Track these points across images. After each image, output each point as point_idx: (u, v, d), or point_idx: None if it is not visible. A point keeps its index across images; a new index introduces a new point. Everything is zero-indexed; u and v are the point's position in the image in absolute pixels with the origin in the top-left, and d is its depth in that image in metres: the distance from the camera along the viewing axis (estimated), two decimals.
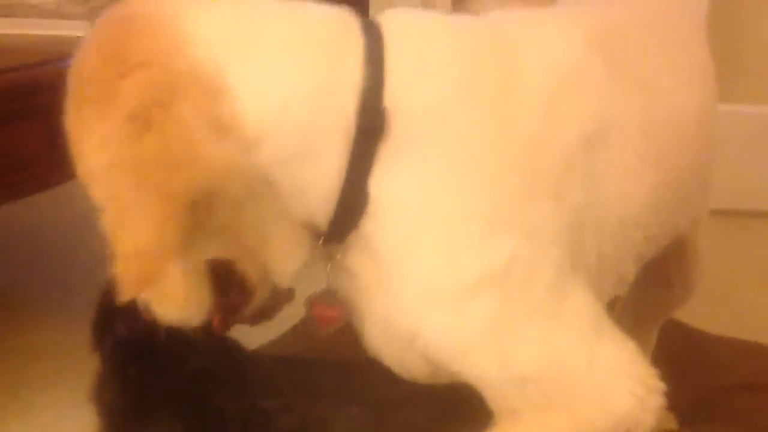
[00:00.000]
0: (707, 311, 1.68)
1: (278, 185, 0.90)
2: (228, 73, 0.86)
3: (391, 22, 0.97)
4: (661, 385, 0.97)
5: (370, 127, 0.90)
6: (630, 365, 0.97)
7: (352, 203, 0.92)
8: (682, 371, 1.34)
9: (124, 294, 0.86)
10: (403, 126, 0.91)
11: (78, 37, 1.55)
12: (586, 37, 1.04)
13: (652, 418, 0.95)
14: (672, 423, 1.37)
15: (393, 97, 0.91)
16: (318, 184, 0.91)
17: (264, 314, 1.03)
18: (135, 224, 0.83)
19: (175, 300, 0.93)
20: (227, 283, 0.95)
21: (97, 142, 0.85)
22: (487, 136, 0.94)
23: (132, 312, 0.98)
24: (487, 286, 0.91)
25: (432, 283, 0.92)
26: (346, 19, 0.95)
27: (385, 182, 0.92)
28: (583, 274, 0.98)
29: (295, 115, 0.88)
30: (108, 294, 0.98)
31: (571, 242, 0.96)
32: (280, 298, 1.03)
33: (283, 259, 0.96)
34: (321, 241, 0.96)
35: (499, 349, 0.93)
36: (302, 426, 0.96)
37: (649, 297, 1.45)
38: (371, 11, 2.67)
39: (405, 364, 0.99)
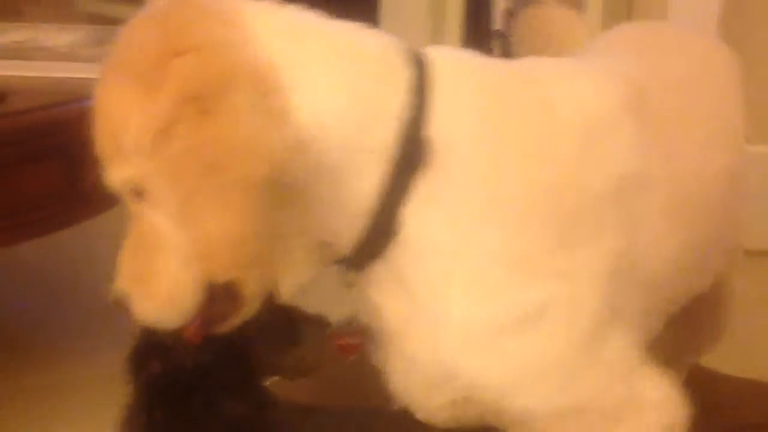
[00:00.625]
0: (719, 349, 1.67)
1: (310, 197, 0.89)
2: (284, 74, 0.86)
3: (437, 57, 0.97)
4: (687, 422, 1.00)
5: (409, 156, 0.90)
6: (667, 401, 1.00)
7: (381, 230, 0.92)
8: (692, 410, 1.34)
9: (216, 276, 0.86)
10: (441, 160, 0.91)
11: (91, 79, 1.59)
12: (618, 92, 1.05)
13: None
14: None
15: (434, 130, 0.91)
16: (351, 203, 0.91)
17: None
18: (216, 211, 0.82)
19: (159, 298, 0.91)
20: (216, 290, 0.91)
21: (144, 118, 0.84)
22: (521, 178, 0.94)
23: (169, 350, 0.98)
24: (520, 327, 0.92)
25: (465, 326, 0.92)
26: (396, 47, 0.96)
27: (419, 215, 0.91)
28: (619, 322, 0.98)
29: (341, 130, 0.89)
30: (147, 329, 0.97)
31: (608, 289, 0.96)
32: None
33: (290, 274, 0.95)
34: (344, 266, 0.96)
35: (541, 386, 0.94)
36: None
37: (678, 341, 1.44)
38: (382, 16, 2.69)
39: (428, 403, 0.99)
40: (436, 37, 2.73)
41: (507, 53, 2.18)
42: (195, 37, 0.85)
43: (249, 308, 0.94)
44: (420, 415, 1.01)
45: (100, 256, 2.41)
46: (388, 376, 1.01)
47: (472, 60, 1.03)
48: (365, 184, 0.90)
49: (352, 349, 1.02)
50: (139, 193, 0.90)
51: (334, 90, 0.89)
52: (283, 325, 1.04)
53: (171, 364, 1.02)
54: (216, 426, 1.00)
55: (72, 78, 1.67)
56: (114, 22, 1.90)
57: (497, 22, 2.56)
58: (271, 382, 1.10)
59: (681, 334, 1.40)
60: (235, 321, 0.95)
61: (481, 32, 2.61)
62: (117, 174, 0.90)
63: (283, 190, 0.86)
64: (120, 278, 0.93)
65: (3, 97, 1.54)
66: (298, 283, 0.96)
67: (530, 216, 0.93)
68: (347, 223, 0.92)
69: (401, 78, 0.92)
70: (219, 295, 0.92)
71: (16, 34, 1.81)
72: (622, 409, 0.98)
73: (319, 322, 1.06)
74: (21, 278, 2.41)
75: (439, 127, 0.91)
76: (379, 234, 0.92)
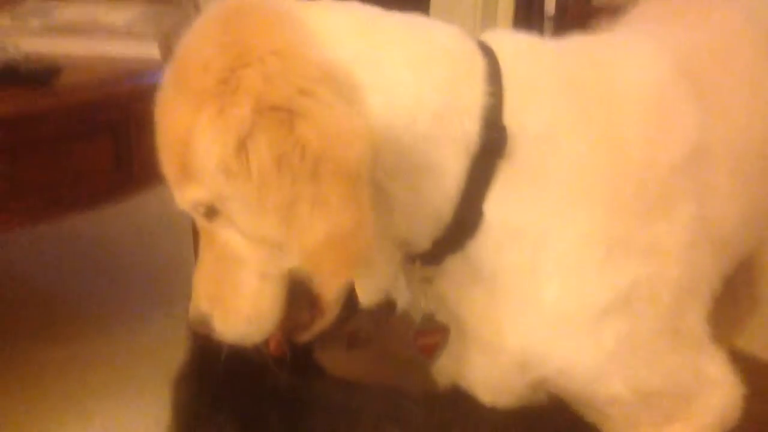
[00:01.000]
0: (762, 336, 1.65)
1: (391, 197, 0.87)
2: (358, 72, 0.84)
3: (500, 42, 0.95)
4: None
5: (491, 146, 0.88)
6: (726, 380, 1.01)
7: (463, 222, 0.90)
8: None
9: (331, 287, 0.85)
10: (520, 147, 0.89)
11: (146, 56, 1.60)
12: (672, 59, 1.04)
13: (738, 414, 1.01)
14: None
15: (511, 117, 0.90)
16: (433, 198, 0.89)
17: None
18: (323, 210, 0.79)
19: (241, 315, 0.89)
20: (299, 300, 0.91)
21: (218, 137, 0.80)
22: (598, 158, 0.93)
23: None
24: (615, 309, 0.91)
25: (559, 311, 0.91)
26: (465, 38, 0.94)
27: (501, 203, 0.90)
28: (697, 290, 0.99)
29: (420, 127, 0.86)
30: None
31: (687, 258, 0.96)
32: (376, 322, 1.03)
33: (372, 277, 0.94)
34: (418, 263, 0.95)
35: (630, 369, 0.93)
36: None
37: (717, 315, 1.43)
38: (431, 11, 2.69)
39: (507, 389, 0.98)
40: (488, 21, 2.72)
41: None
42: (260, 44, 0.81)
43: (329, 315, 0.93)
44: (487, 400, 1.01)
45: (146, 231, 2.47)
46: (463, 367, 1.01)
47: (535, 43, 1.01)
48: (447, 177, 0.89)
49: (435, 348, 1.01)
50: (211, 213, 0.87)
51: (411, 84, 0.87)
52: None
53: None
54: (264, 395, 1.00)
55: (127, 55, 1.69)
56: (170, 1, 1.92)
57: (550, 7, 2.54)
58: (324, 353, 1.09)
59: (718, 309, 1.40)
60: (316, 329, 0.94)
61: (532, 17, 2.59)
62: (187, 196, 0.87)
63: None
64: (198, 299, 0.92)
65: (57, 73, 1.56)
66: (384, 283, 0.95)
67: (613, 196, 0.92)
68: (429, 219, 0.90)
69: (477, 67, 0.90)
70: (300, 306, 0.91)
71: (73, 11, 1.83)
72: (692, 389, 0.98)
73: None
74: (68, 252, 2.45)
75: (516, 114, 0.90)
76: (462, 226, 0.91)
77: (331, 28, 0.85)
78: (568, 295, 0.91)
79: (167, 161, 0.87)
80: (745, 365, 1.62)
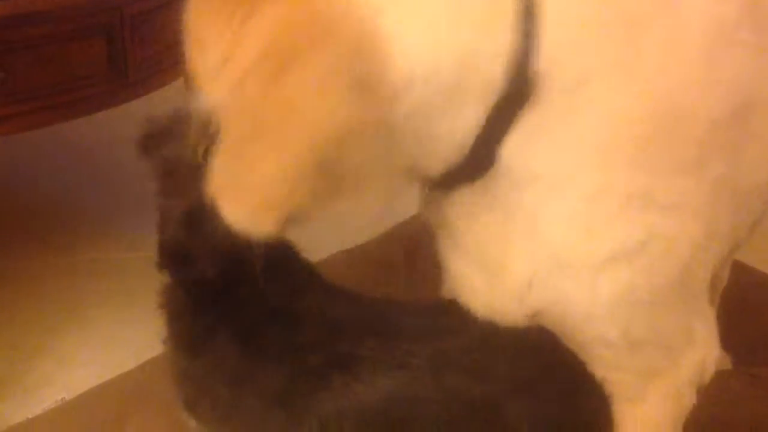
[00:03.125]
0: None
1: (403, 134, 0.84)
2: (383, 18, 0.79)
3: None
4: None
5: (515, 93, 0.84)
6: (711, 334, 1.00)
7: (478, 165, 0.88)
8: (739, 311, 1.32)
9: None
10: (549, 96, 0.85)
11: None
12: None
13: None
14: (727, 363, 1.36)
15: (544, 61, 0.84)
16: (448, 140, 0.86)
17: None
18: (261, 162, 0.79)
19: (247, 206, 0.88)
20: None
21: (226, 51, 0.80)
22: (635, 112, 0.87)
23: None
24: (620, 260, 0.89)
25: (564, 253, 0.90)
26: None
27: (520, 150, 0.87)
28: (713, 246, 0.96)
29: (445, 71, 0.82)
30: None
31: (708, 216, 0.92)
32: None
33: (372, 200, 0.92)
34: (427, 188, 0.94)
35: (625, 317, 0.92)
36: (325, 363, 0.95)
37: None
38: None
39: (502, 314, 0.97)
40: None
41: None
42: None
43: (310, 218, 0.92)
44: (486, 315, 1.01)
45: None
46: (464, 289, 1.00)
47: None
48: (467, 121, 0.85)
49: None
50: None
51: (439, 30, 0.82)
52: None
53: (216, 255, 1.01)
54: (255, 310, 1.00)
55: None
56: None
57: None
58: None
59: None
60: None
61: None
62: (204, 93, 0.86)
63: (370, 129, 0.81)
64: (211, 181, 0.91)
65: None
66: (381, 206, 0.93)
67: (643, 150, 0.88)
68: (441, 156, 0.88)
69: (507, 9, 0.84)
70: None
71: None
72: (680, 345, 0.98)
73: None
74: (67, 160, 2.44)
75: (550, 58, 0.84)
76: (474, 167, 0.88)
77: None
78: (573, 241, 0.89)
79: (188, 55, 0.87)
80: (750, 279, 1.63)
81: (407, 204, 1.06)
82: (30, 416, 1.40)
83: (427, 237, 1.67)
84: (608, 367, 0.98)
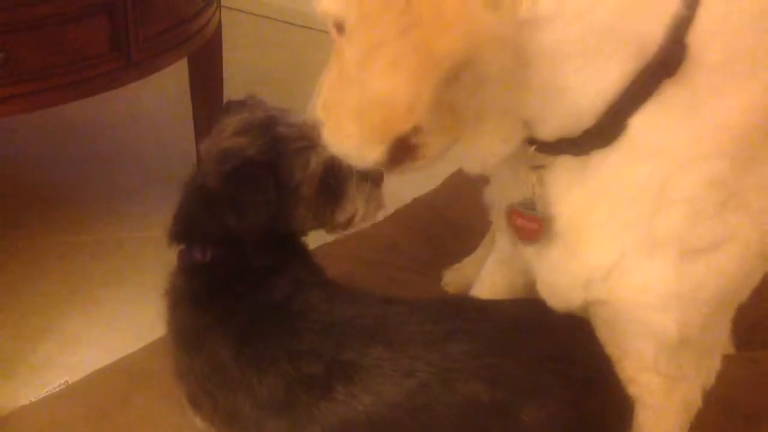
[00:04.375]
0: None
1: (534, 76, 0.80)
2: None
3: None
4: None
5: (665, 61, 0.80)
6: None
7: (605, 133, 0.84)
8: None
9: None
10: (692, 71, 0.80)
11: None
12: None
13: None
14: (729, 347, 1.35)
15: (697, 36, 0.80)
16: (578, 98, 0.82)
17: None
18: (390, 72, 0.74)
19: (346, 134, 0.87)
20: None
21: None
22: (757, 101, 0.83)
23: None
24: (708, 254, 0.88)
25: (662, 239, 0.88)
26: None
27: (650, 123, 0.83)
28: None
29: (601, 13, 0.77)
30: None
31: None
32: None
33: (488, 148, 0.89)
34: (534, 148, 0.89)
35: (689, 312, 0.91)
36: (326, 372, 0.92)
37: None
38: None
39: (563, 297, 0.97)
40: None
41: None
42: None
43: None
44: (545, 298, 0.99)
45: (147, 119, 2.44)
46: (537, 262, 0.98)
47: None
48: (604, 80, 0.81)
49: (531, 234, 0.95)
50: (339, 27, 0.83)
51: None
52: (328, 180, 1.02)
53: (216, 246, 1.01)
54: (252, 309, 0.99)
55: None
56: None
57: None
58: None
59: None
60: (411, 169, 0.89)
61: None
62: (320, 5, 0.83)
63: (497, 67, 0.77)
64: (317, 104, 0.90)
65: None
66: (497, 158, 0.90)
67: (756, 147, 0.85)
68: (565, 115, 0.84)
69: None
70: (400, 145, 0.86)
71: None
72: (710, 350, 0.98)
73: (367, 176, 1.04)
74: (73, 140, 2.43)
75: (703, 34, 0.80)
76: (600, 135, 0.84)
77: None
78: (681, 221, 0.86)
79: None
80: None
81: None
82: (34, 398, 1.40)
83: (433, 218, 1.66)
84: (642, 367, 0.97)
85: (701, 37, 0.79)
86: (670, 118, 0.83)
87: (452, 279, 1.49)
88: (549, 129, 0.86)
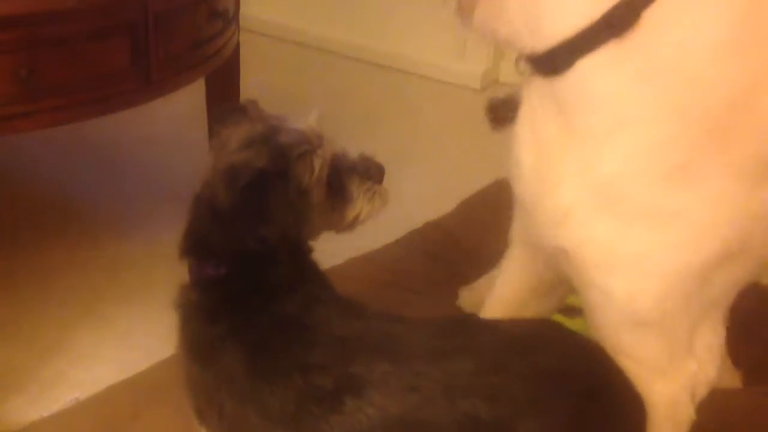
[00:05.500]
0: None
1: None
2: None
3: None
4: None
5: (613, 22, 0.87)
6: (713, 356, 1.02)
7: (556, 60, 0.91)
8: (752, 329, 1.31)
9: None
10: (645, 26, 0.87)
11: None
12: None
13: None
14: (737, 381, 1.34)
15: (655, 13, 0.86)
16: (550, 14, 0.90)
17: None
18: None
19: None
20: None
21: None
22: (716, 75, 0.87)
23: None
24: (653, 220, 0.90)
25: (612, 192, 0.91)
26: None
27: (604, 69, 0.89)
28: (742, 259, 0.95)
29: None
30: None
31: (742, 226, 0.92)
32: None
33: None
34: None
35: (636, 279, 0.93)
36: (336, 386, 0.92)
37: None
38: None
39: (539, 237, 1.00)
40: None
41: None
42: None
43: None
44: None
45: (160, 137, 2.45)
46: (517, 181, 1.02)
47: None
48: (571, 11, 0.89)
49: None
50: None
51: None
52: (333, 182, 1.03)
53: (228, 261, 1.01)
54: (266, 323, 0.99)
55: None
56: None
57: None
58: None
59: None
60: None
61: None
62: None
63: None
64: None
65: None
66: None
67: (706, 118, 0.88)
68: (533, 29, 0.91)
69: None
70: None
71: None
72: (684, 350, 0.99)
73: (367, 173, 1.06)
74: (87, 158, 2.45)
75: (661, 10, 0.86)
76: (550, 60, 0.91)
77: None
78: (625, 180, 0.90)
79: None
80: (764, 297, 1.60)
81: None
82: (45, 413, 1.40)
83: (446, 241, 1.66)
84: (614, 347, 0.98)
85: (659, 15, 0.86)
86: (617, 75, 0.88)
87: (468, 297, 1.50)
88: (524, 39, 0.92)
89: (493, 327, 1.05)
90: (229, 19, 1.91)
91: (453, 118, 2.87)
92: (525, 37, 0.92)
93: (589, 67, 0.89)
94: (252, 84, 2.27)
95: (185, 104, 2.31)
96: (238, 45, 2.03)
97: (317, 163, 1.00)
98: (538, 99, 0.97)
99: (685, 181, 0.88)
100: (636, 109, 0.88)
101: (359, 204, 1.06)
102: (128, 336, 1.74)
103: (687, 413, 1.02)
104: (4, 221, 2.07)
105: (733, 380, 1.32)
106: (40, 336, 1.72)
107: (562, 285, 1.14)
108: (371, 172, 1.07)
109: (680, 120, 0.88)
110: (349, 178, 1.05)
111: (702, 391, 1.02)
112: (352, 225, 1.08)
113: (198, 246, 1.04)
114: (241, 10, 2.03)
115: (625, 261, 0.92)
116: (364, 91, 3.10)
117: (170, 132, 2.52)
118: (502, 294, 1.25)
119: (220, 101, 2.06)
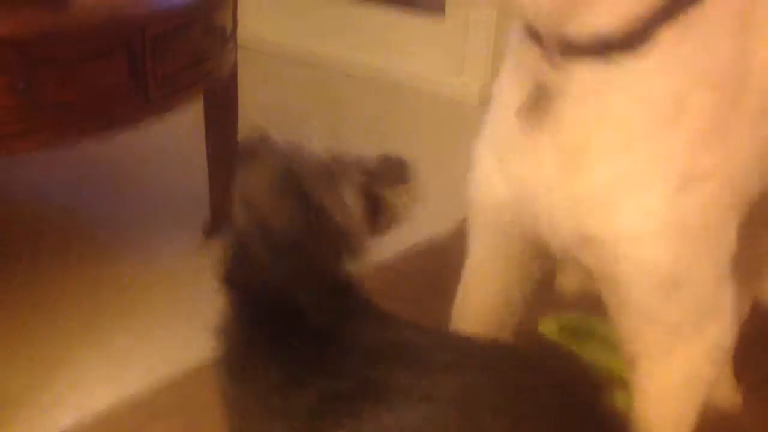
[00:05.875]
0: None
1: None
2: None
3: None
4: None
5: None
6: (732, 311, 1.02)
7: (634, 37, 0.90)
8: (752, 347, 1.31)
9: None
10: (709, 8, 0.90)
11: None
12: None
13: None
14: (737, 397, 1.34)
15: None
16: None
17: None
18: None
19: None
20: None
21: None
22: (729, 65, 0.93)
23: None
24: (684, 189, 0.92)
25: (652, 167, 0.93)
26: None
27: (673, 36, 0.90)
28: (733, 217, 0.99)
29: None
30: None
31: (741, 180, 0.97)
32: None
33: None
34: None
35: (674, 245, 0.94)
36: (357, 389, 0.93)
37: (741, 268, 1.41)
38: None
39: (557, 225, 0.99)
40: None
41: None
42: None
43: None
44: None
45: (158, 155, 2.44)
46: (535, 184, 1.01)
47: None
48: None
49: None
50: None
51: None
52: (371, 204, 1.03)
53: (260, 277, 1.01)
54: (299, 337, 0.99)
55: None
56: None
57: None
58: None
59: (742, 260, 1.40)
60: None
61: None
62: None
63: None
64: None
65: None
66: None
67: (742, 87, 0.92)
68: (608, 7, 0.90)
69: None
70: None
71: None
72: (707, 311, 1.00)
73: (391, 176, 1.05)
74: (88, 177, 2.45)
75: None
76: (628, 38, 0.90)
77: None
78: (683, 151, 0.92)
79: None
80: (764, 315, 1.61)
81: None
82: None
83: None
84: (639, 313, 0.99)
85: None
86: (689, 42, 0.90)
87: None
88: (591, 20, 0.90)
89: (511, 347, 1.09)
90: (227, 36, 1.91)
91: (451, 134, 2.87)
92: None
93: (668, 37, 0.89)
94: (250, 102, 2.27)
95: (184, 122, 2.32)
96: (236, 62, 2.03)
97: (347, 193, 1.00)
98: (564, 87, 0.96)
99: (712, 143, 0.92)
100: (694, 78, 0.91)
101: (395, 205, 1.05)
102: (128, 356, 1.73)
103: (707, 377, 1.04)
104: (1, 240, 2.07)
105: (734, 396, 1.32)
106: (39, 359, 1.71)
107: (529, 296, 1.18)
108: (396, 175, 1.05)
109: (709, 87, 0.91)
110: (379, 188, 1.04)
111: (726, 350, 1.04)
112: (389, 225, 1.07)
113: (240, 280, 1.03)
114: (239, 28, 2.03)
115: (672, 228, 0.94)
116: (363, 107, 3.10)
117: (169, 150, 2.52)
118: (469, 304, 1.25)
119: (218, 118, 2.07)
